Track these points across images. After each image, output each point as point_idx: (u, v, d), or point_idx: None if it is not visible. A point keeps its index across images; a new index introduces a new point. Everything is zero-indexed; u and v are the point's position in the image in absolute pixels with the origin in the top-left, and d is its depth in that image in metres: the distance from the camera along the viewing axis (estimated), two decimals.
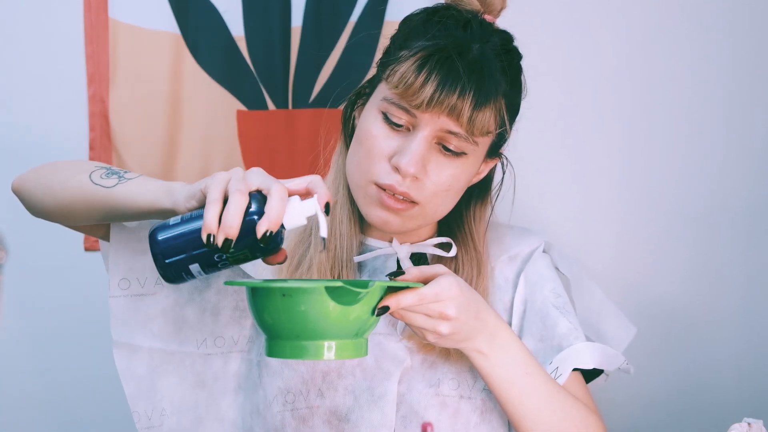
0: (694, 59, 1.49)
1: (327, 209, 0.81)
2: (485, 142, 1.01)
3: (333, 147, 1.11)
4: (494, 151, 1.05)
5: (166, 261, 0.81)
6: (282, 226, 0.80)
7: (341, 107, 1.52)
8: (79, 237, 1.50)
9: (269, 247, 0.80)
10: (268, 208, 0.78)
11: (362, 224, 1.07)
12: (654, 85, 1.50)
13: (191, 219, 0.81)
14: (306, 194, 0.83)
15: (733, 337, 1.50)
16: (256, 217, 0.78)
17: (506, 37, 1.02)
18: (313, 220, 0.84)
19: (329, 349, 0.81)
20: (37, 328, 1.52)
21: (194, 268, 0.81)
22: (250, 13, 1.51)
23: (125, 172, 0.92)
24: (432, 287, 0.89)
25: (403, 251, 1.06)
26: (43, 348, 1.53)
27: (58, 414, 1.53)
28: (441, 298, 0.89)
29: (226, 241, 0.76)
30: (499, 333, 0.96)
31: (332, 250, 1.03)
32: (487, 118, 0.96)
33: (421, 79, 0.94)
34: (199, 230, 0.78)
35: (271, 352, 0.83)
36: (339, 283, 0.79)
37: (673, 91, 1.50)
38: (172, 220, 0.82)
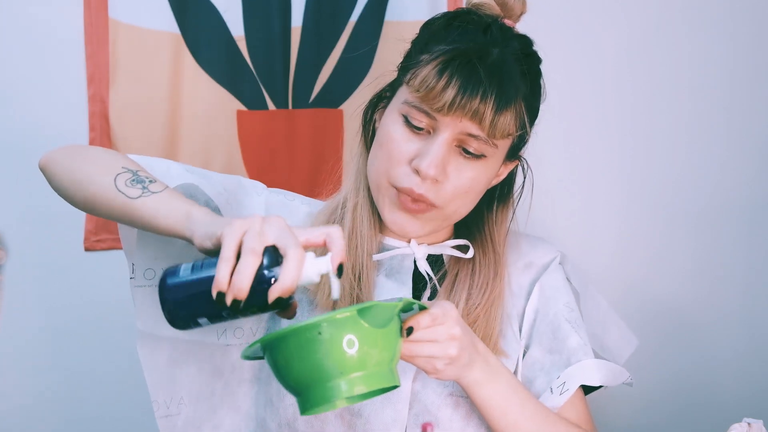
0: (694, 59, 1.49)
1: (340, 271, 0.81)
2: (505, 145, 1.01)
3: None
4: (514, 154, 1.06)
5: (174, 310, 0.81)
6: None
7: (341, 107, 1.53)
8: (79, 237, 1.50)
9: (279, 306, 0.79)
10: (282, 275, 0.76)
11: (381, 224, 1.08)
12: (655, 84, 1.50)
13: (203, 269, 0.80)
14: (323, 245, 0.82)
15: (733, 337, 1.50)
16: (266, 275, 0.77)
17: (526, 42, 1.03)
18: (326, 278, 0.83)
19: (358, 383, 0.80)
20: (37, 328, 1.51)
21: (202, 320, 0.81)
22: (250, 13, 1.51)
23: (151, 182, 0.90)
24: (438, 308, 0.90)
25: (420, 252, 1.07)
26: (43, 348, 1.52)
27: (57, 413, 1.53)
28: (447, 318, 0.90)
29: (235, 301, 0.76)
30: (490, 359, 0.97)
31: (353, 249, 1.03)
32: (508, 121, 0.97)
33: (442, 82, 0.95)
34: (209, 285, 0.77)
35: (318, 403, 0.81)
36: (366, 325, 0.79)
37: (674, 91, 1.50)
38: (183, 269, 0.81)
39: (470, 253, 1.06)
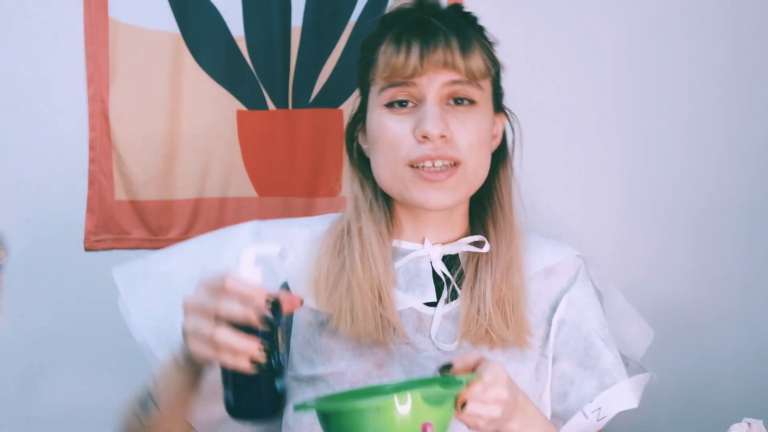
0: (694, 59, 1.49)
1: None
2: (487, 87, 1.04)
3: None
4: (498, 105, 1.08)
5: (263, 414, 0.86)
6: (274, 300, 0.83)
7: (341, 107, 1.53)
8: (79, 237, 1.50)
9: (279, 313, 0.83)
10: (237, 310, 0.81)
11: (392, 233, 1.08)
12: (655, 83, 1.50)
13: (227, 378, 0.84)
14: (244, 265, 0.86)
15: (733, 337, 1.50)
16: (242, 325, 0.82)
17: (457, 5, 1.08)
18: (263, 258, 0.87)
19: None
20: (37, 328, 1.51)
21: (277, 384, 0.85)
22: (250, 13, 1.51)
23: (147, 392, 0.96)
24: (489, 374, 0.88)
25: (436, 252, 1.07)
26: (43, 348, 1.52)
27: (57, 414, 1.53)
28: (497, 382, 0.89)
29: (263, 351, 0.81)
30: (528, 408, 0.97)
31: (367, 271, 1.03)
32: (478, 58, 1.01)
33: (403, 51, 0.99)
34: (244, 378, 0.82)
35: None
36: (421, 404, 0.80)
37: (674, 91, 1.50)
38: (225, 394, 0.85)
39: (486, 248, 1.06)
